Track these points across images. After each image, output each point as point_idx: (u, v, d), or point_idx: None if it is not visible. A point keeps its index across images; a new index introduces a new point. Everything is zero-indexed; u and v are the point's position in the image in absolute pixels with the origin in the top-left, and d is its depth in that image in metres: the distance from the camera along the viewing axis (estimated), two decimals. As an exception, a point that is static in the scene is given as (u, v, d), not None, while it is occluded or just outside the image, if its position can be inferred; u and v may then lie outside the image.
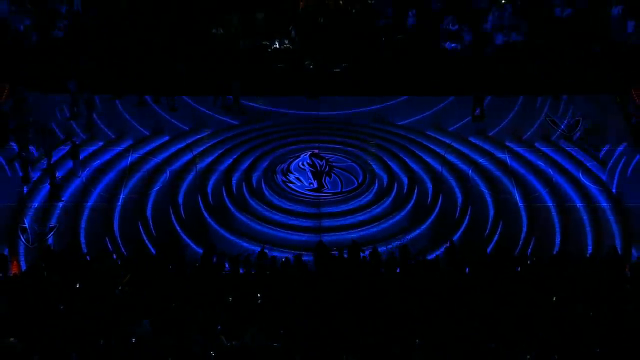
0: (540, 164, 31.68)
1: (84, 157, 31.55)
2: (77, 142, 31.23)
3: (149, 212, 29.40)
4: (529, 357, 20.97)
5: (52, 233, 28.35)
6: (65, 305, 22.77)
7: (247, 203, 29.69)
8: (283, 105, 34.97)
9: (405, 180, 30.82)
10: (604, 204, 29.69)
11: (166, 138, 33.17)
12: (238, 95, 34.25)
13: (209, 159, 32.02)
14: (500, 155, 32.23)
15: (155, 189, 30.47)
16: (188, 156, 32.17)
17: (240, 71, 34.72)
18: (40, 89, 34.38)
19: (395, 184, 30.50)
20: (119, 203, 29.77)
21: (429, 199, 30.05)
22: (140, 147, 32.68)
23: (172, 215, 29.22)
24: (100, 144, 32.74)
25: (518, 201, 29.85)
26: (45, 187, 29.96)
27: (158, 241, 27.91)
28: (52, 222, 28.80)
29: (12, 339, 20.74)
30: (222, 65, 34.82)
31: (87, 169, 31.18)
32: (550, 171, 31.24)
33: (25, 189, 29.97)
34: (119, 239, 28.34)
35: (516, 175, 31.11)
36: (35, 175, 30.55)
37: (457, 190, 30.50)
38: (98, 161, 31.75)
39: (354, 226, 28.69)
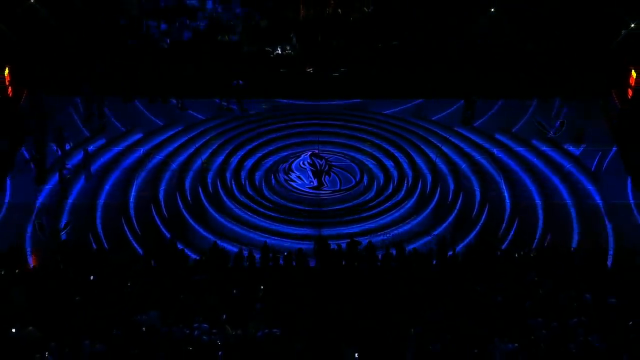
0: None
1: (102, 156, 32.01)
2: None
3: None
4: (517, 344, 21.04)
5: (67, 229, 28.55)
6: (80, 297, 22.97)
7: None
8: (284, 107, 35.30)
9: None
10: (588, 201, 29.98)
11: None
12: (241, 94, 34.49)
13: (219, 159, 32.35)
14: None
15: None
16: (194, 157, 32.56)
17: (244, 75, 34.93)
18: (55, 92, 34.56)
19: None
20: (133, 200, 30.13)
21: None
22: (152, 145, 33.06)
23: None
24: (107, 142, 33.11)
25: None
26: (57, 186, 30.24)
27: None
28: (68, 219, 29.01)
29: (30, 328, 21.01)
30: (228, 70, 35.04)
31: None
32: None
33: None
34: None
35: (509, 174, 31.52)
36: (49, 175, 30.72)
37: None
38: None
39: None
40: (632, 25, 34.39)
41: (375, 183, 30.81)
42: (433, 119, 34.70)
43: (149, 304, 22.54)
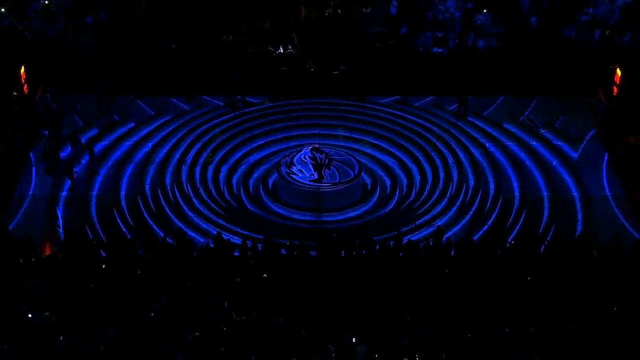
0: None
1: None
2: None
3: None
4: (507, 330, 21.29)
5: (78, 219, 28.72)
6: (93, 284, 23.13)
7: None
8: (285, 103, 35.49)
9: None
10: (575, 194, 30.19)
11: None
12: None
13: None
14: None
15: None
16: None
17: (248, 74, 35.10)
18: (69, 90, 34.68)
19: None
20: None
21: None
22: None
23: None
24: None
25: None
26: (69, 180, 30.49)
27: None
28: (80, 210, 29.21)
29: (47, 313, 21.20)
30: (232, 68, 35.18)
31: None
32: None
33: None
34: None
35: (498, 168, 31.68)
36: (61, 169, 30.89)
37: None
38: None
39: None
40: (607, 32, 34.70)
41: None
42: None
43: (159, 291, 22.74)
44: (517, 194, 30.17)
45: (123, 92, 35.17)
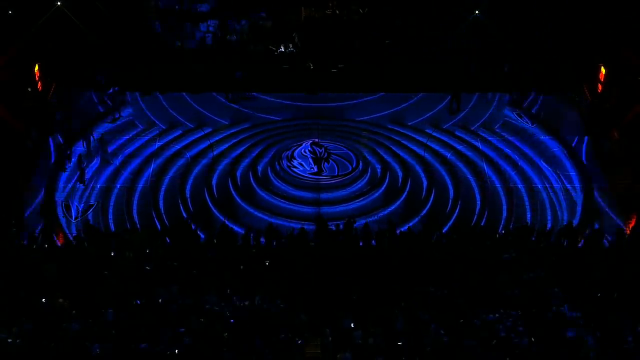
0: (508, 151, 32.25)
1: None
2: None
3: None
4: (497, 314, 21.30)
5: (90, 210, 28.80)
6: (106, 271, 23.21)
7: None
8: (286, 99, 35.37)
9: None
10: (561, 185, 30.29)
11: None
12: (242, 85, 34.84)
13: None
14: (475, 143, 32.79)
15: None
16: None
17: (251, 71, 35.14)
18: (79, 85, 34.78)
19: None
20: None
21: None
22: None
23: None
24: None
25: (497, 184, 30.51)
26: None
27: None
28: (91, 201, 29.26)
29: (61, 299, 21.30)
30: (235, 66, 35.24)
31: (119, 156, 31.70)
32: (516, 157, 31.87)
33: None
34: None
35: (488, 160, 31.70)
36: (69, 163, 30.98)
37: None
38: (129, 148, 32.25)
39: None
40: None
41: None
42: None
43: (166, 278, 22.80)
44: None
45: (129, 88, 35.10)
